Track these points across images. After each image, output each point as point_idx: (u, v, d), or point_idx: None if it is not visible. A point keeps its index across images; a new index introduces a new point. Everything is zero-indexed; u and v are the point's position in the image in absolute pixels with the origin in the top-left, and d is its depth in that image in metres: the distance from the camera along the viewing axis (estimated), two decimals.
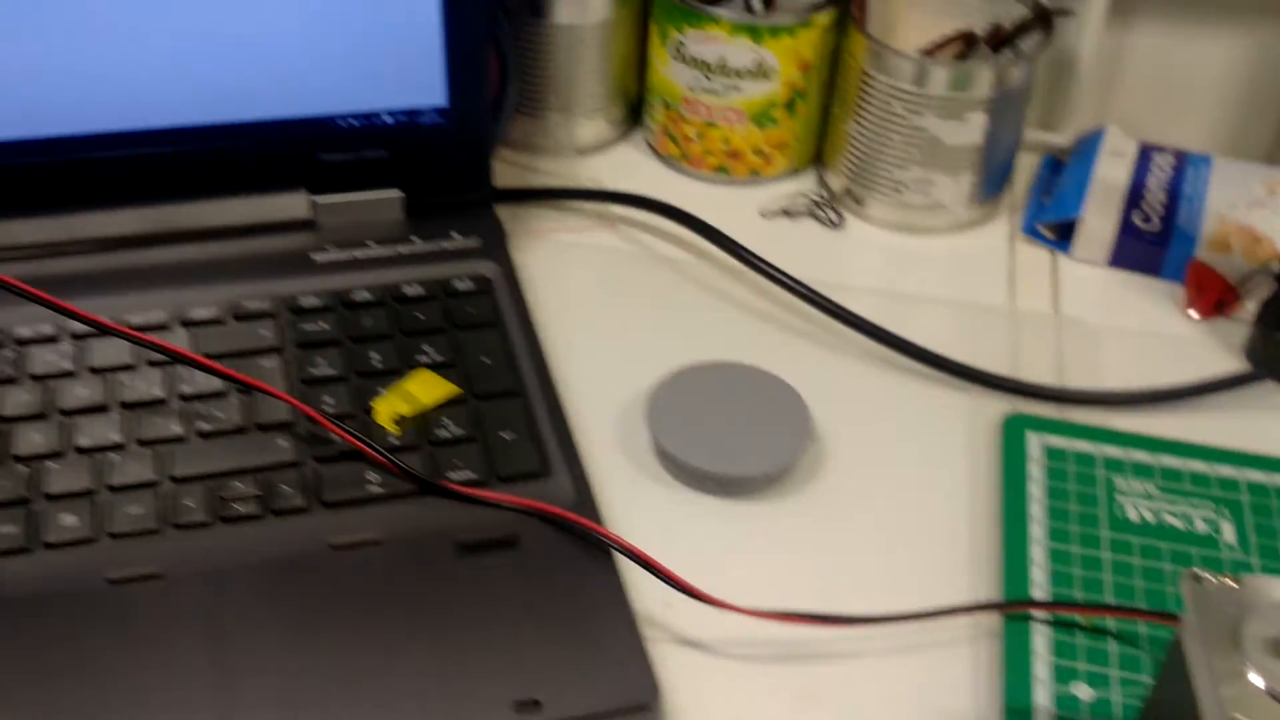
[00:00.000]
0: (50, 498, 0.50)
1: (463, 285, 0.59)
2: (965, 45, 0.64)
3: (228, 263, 0.59)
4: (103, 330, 0.52)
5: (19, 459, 0.51)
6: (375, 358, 0.56)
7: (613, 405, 0.57)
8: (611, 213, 0.67)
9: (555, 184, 0.69)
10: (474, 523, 0.50)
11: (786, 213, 0.67)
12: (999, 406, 0.58)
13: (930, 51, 0.64)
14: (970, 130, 0.63)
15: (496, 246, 0.62)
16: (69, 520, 0.49)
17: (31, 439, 0.51)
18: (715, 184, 0.70)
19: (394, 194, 0.62)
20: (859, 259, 0.66)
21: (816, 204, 0.66)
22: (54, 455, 0.51)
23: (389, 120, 0.60)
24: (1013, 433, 0.56)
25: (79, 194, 0.58)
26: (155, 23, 0.55)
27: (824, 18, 0.65)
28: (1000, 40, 0.64)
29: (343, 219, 0.61)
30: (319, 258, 0.60)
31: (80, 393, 0.53)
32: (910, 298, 0.63)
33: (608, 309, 0.62)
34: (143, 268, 0.59)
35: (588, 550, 0.49)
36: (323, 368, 0.55)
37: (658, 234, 0.66)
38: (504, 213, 0.64)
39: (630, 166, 0.71)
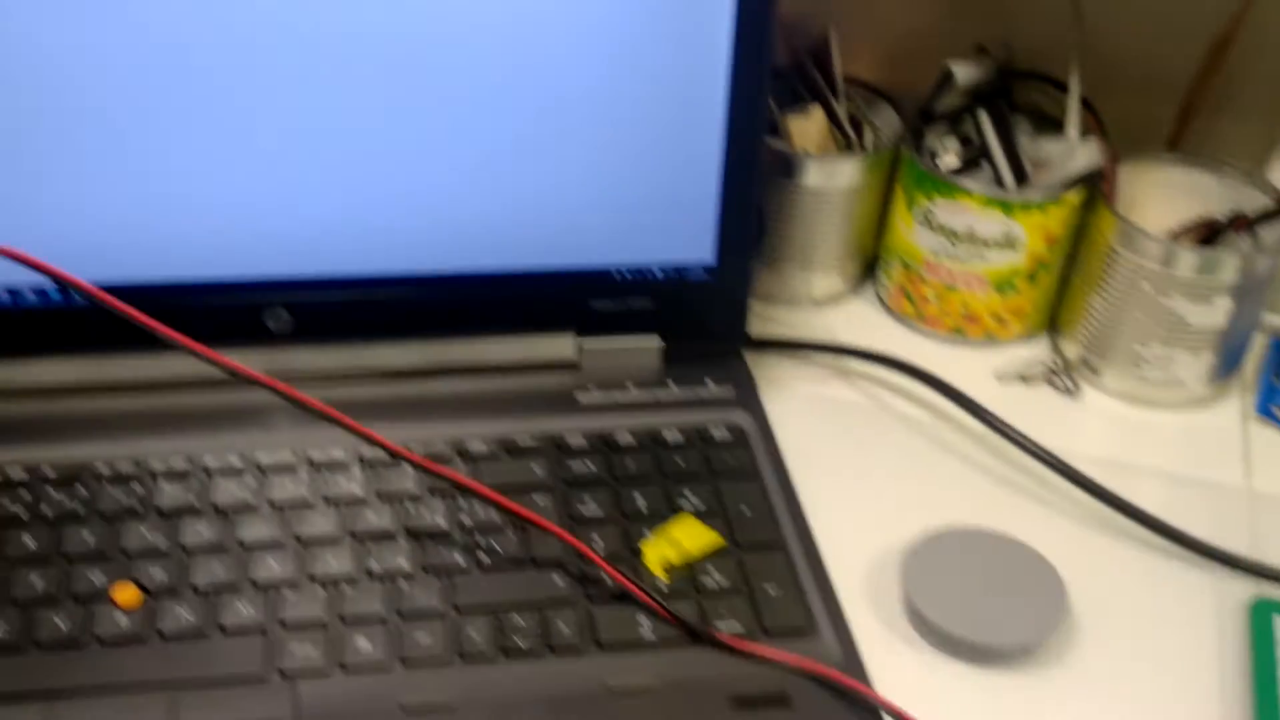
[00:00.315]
0: (345, 621, 0.52)
1: (719, 434, 0.62)
2: (1208, 229, 0.66)
3: (497, 398, 0.62)
4: (394, 457, 0.55)
5: (316, 580, 0.54)
6: (639, 500, 0.58)
7: (860, 562, 0.58)
8: (848, 366, 0.69)
9: (788, 334, 0.71)
10: (743, 676, 0.51)
11: (1023, 378, 0.69)
12: (1241, 587, 0.58)
13: (1176, 234, 0.66)
14: (1215, 313, 0.64)
15: (749, 396, 0.64)
16: (364, 645, 0.51)
17: (327, 562, 0.54)
18: (949, 344, 0.72)
19: (654, 341, 0.65)
20: (1093, 428, 0.67)
21: (1053, 371, 0.68)
22: (349, 580, 0.54)
23: (659, 274, 0.63)
24: (1261, 617, 0.57)
25: (367, 327, 0.62)
26: (454, 181, 0.59)
27: (1074, 196, 0.67)
28: (1243, 227, 0.65)
29: (604, 362, 0.64)
30: (582, 398, 0.63)
31: (372, 519, 0.56)
32: (1145, 471, 0.65)
33: (849, 463, 0.64)
34: (417, 399, 0.62)
35: (857, 712, 0.51)
36: (590, 507, 0.58)
37: (892, 389, 0.68)
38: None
39: (862, 320, 0.73)
